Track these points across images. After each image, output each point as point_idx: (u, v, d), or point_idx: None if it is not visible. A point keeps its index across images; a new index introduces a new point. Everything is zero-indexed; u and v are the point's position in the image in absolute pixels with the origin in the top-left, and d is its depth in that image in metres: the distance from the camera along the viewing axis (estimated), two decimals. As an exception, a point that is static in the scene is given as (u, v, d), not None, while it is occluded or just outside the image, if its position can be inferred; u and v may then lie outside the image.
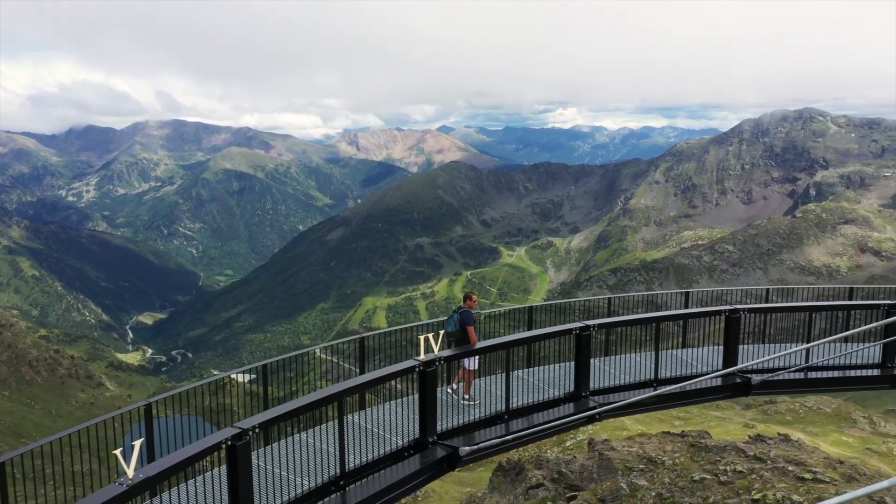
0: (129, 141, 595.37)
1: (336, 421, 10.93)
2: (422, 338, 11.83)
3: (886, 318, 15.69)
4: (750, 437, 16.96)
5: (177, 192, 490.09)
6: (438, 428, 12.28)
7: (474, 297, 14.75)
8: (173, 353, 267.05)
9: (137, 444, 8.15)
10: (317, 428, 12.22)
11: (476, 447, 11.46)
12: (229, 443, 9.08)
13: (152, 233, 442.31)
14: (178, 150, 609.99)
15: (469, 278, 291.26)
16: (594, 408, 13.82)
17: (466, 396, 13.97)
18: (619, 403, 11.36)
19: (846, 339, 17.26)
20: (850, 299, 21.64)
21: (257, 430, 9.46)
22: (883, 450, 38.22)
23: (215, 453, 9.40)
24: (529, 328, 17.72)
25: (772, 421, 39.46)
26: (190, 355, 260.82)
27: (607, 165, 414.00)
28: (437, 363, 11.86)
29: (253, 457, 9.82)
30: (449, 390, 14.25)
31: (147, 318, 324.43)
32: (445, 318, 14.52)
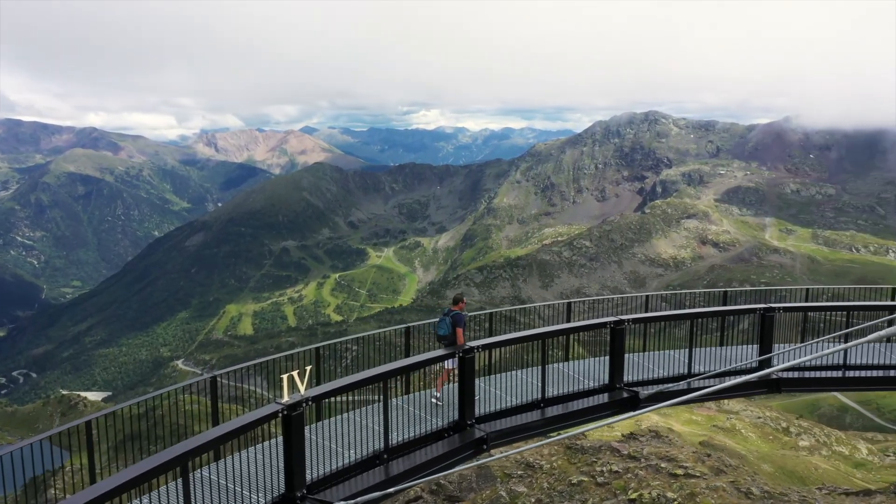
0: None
1: (181, 482, 9.38)
2: (285, 377, 10.37)
3: (762, 321, 16.40)
4: (623, 435, 17.45)
5: (13, 198, 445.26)
6: (308, 478, 10.91)
7: (464, 300, 14.70)
8: (14, 373, 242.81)
9: None
10: (155, 492, 10.27)
11: (353, 503, 10.57)
12: None
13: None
14: (12, 151, 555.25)
15: (338, 281, 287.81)
16: (481, 438, 13.00)
17: (436, 395, 14.15)
18: (515, 450, 10.44)
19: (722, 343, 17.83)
20: (725, 304, 22.52)
21: None
22: (727, 426, 41.30)
23: None
24: (407, 350, 16.36)
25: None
26: (34, 375, 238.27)
27: (471, 166, 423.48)
28: (305, 404, 10.49)
29: None
30: (434, 399, 14.03)
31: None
32: (436, 321, 14.18)
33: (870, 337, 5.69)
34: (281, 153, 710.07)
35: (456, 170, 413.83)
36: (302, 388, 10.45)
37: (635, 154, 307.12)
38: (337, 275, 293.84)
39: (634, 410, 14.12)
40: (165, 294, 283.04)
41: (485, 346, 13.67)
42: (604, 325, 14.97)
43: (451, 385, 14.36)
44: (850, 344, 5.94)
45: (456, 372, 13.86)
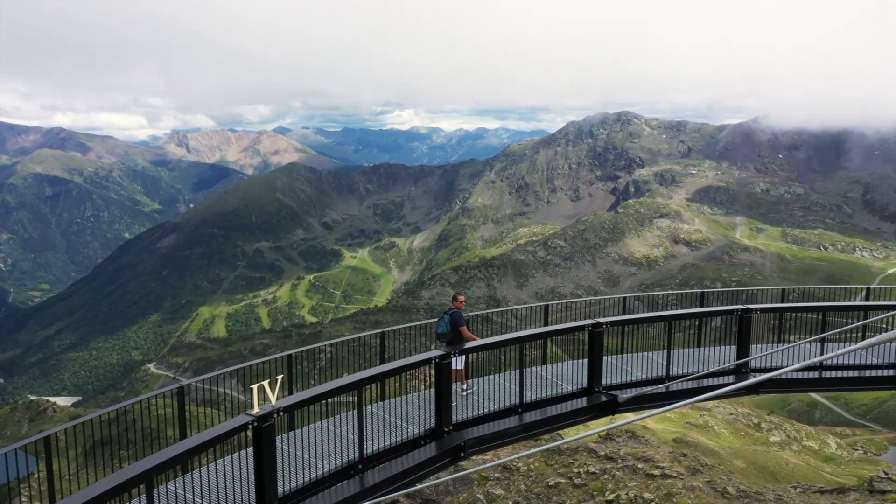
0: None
1: (146, 498, 8.96)
2: (255, 387, 9.85)
3: (740, 322, 16.42)
4: (600, 435, 17.47)
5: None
6: (280, 491, 10.50)
7: (461, 298, 14.79)
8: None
9: None
10: None
11: None
12: None
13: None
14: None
15: (312, 282, 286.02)
16: (458, 446, 12.70)
17: (465, 386, 14.53)
18: (496, 463, 10.07)
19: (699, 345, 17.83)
20: (702, 305, 22.44)
21: None
22: (700, 422, 41.76)
23: None
24: (382, 356, 15.99)
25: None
26: (1, 380, 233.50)
27: (445, 166, 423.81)
28: (276, 415, 10.10)
29: None
30: (463, 390, 14.36)
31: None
32: (435, 320, 14.32)
33: (861, 344, 5.70)
34: (254, 154, 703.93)
35: (430, 170, 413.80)
36: (273, 399, 10.02)
37: (608, 154, 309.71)
38: (311, 276, 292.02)
39: (613, 414, 14.04)
40: (136, 297, 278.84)
41: (461, 352, 13.49)
42: (582, 328, 14.82)
43: (455, 384, 14.47)
44: (837, 352, 5.92)
45: (458, 369, 14.13)
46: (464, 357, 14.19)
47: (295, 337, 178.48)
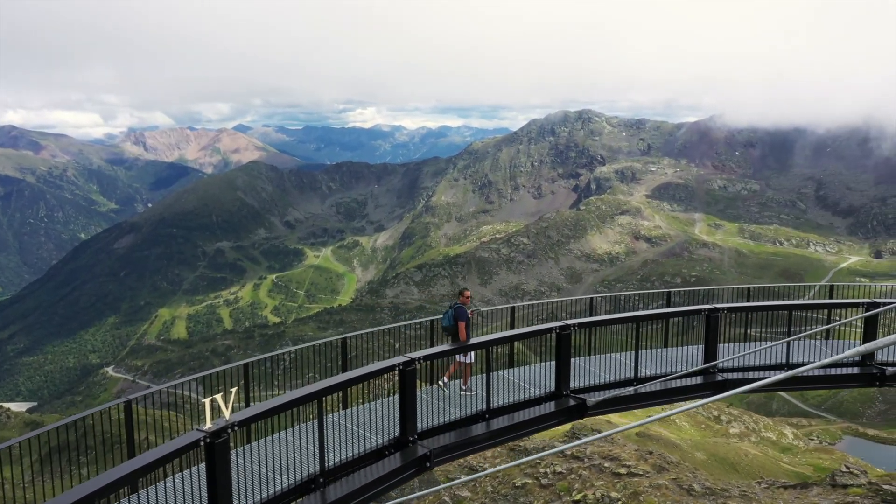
0: None
1: None
2: (206, 401, 9.23)
3: (707, 322, 16.32)
4: (566, 434, 17.48)
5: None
6: None
7: (466, 293, 14.90)
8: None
9: None
10: None
11: None
12: None
13: None
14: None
15: (275, 282, 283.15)
16: (424, 455, 12.25)
17: (464, 387, 14.42)
18: (467, 479, 9.69)
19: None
20: (669, 304, 22.48)
21: None
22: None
23: None
24: (344, 365, 15.45)
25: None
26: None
27: (408, 164, 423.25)
28: (230, 430, 9.53)
29: None
30: (440, 384, 14.41)
31: None
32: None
33: (848, 353, 5.71)
34: (213, 152, 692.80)
35: (393, 168, 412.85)
36: (227, 413, 9.43)
37: (570, 152, 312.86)
38: (274, 276, 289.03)
39: (582, 418, 13.99)
40: (93, 299, 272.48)
41: (426, 357, 13.07)
42: (549, 330, 14.63)
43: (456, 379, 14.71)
44: (845, 353, 5.90)
45: (468, 363, 14.39)
46: (473, 352, 14.41)
47: (258, 337, 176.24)
